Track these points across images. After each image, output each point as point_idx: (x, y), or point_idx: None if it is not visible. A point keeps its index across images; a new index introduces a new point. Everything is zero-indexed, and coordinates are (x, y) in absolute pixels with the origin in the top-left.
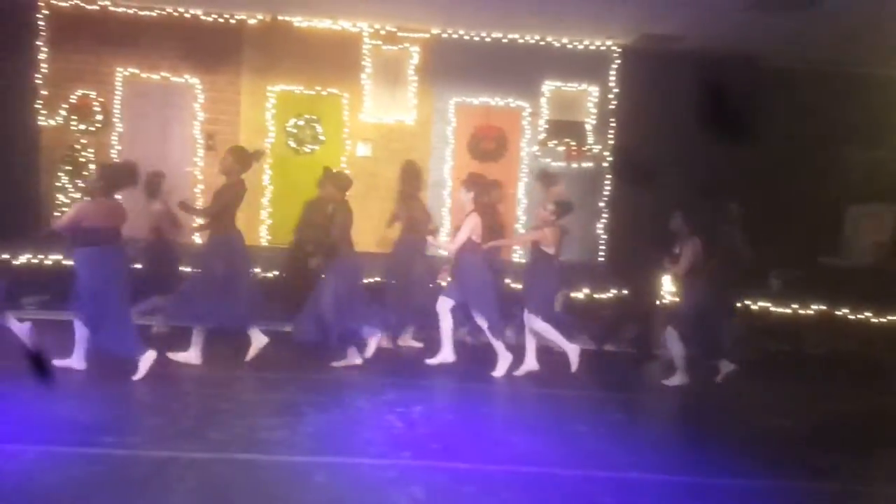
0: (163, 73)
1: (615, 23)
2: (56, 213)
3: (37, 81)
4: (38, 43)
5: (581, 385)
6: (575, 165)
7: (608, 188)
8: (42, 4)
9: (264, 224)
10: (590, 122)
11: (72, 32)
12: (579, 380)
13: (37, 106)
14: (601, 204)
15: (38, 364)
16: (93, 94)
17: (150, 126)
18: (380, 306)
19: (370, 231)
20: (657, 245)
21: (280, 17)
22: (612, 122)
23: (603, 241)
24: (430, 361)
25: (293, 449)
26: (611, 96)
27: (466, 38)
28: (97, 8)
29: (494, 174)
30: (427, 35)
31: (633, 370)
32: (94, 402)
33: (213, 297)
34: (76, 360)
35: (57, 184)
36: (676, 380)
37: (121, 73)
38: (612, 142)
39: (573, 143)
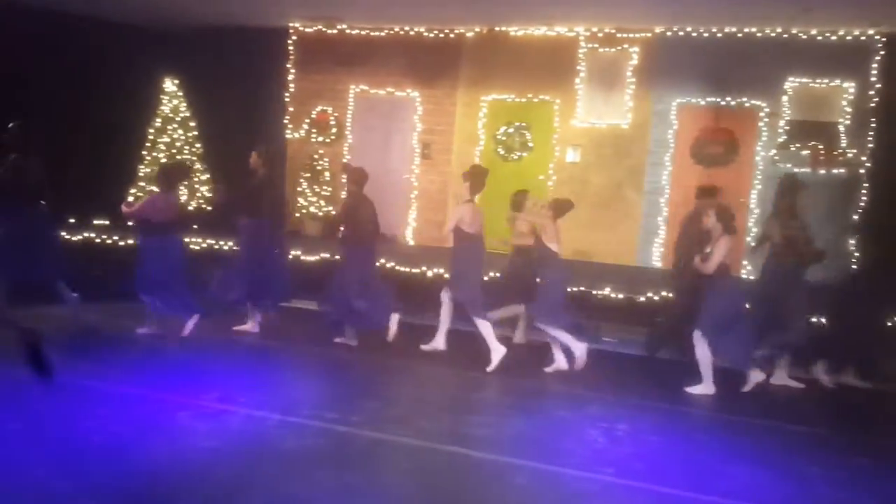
0: (388, 89)
1: (881, 8)
2: (296, 214)
3: (285, 99)
4: (287, 66)
5: (815, 421)
6: (822, 172)
7: (864, 198)
8: (292, 31)
9: None
10: (843, 123)
11: (314, 55)
12: (813, 415)
13: (285, 121)
14: (855, 217)
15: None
16: (329, 109)
17: (375, 137)
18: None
19: (579, 239)
20: None
21: (497, 28)
22: (873, 122)
23: (856, 260)
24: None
25: (496, 448)
26: (872, 93)
27: (694, 34)
28: (336, 31)
29: (722, 181)
30: (649, 34)
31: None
32: (323, 382)
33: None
34: (190, 325)
35: (298, 189)
36: (700, 388)
37: (353, 90)
38: (871, 145)
39: (821, 147)
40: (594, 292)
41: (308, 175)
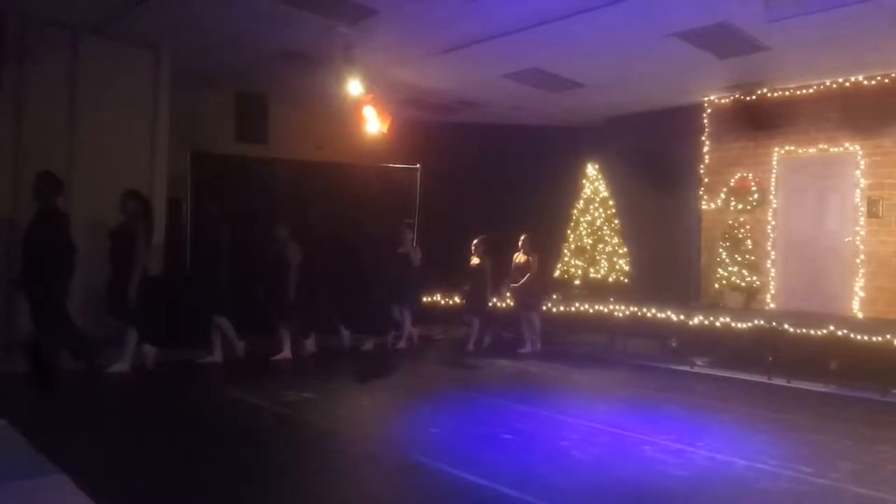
0: (820, 146)
1: None
2: (716, 285)
3: (700, 171)
4: (701, 138)
5: None
6: None
7: None
8: (706, 104)
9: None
10: None
11: (730, 123)
12: None
13: (700, 192)
14: None
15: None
16: (749, 175)
17: (805, 199)
18: None
19: None
20: None
21: None
22: None
23: None
24: None
25: None
26: None
27: None
28: (754, 98)
29: None
30: None
31: None
32: (779, 439)
33: None
34: None
35: (717, 259)
36: None
37: (777, 153)
38: None
39: None
40: None
41: (727, 244)
